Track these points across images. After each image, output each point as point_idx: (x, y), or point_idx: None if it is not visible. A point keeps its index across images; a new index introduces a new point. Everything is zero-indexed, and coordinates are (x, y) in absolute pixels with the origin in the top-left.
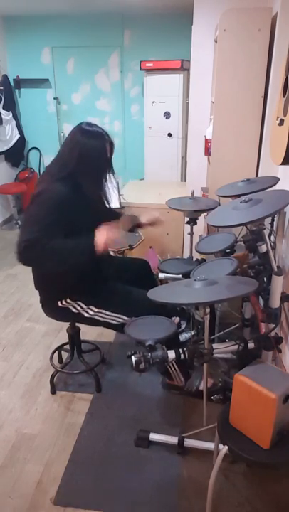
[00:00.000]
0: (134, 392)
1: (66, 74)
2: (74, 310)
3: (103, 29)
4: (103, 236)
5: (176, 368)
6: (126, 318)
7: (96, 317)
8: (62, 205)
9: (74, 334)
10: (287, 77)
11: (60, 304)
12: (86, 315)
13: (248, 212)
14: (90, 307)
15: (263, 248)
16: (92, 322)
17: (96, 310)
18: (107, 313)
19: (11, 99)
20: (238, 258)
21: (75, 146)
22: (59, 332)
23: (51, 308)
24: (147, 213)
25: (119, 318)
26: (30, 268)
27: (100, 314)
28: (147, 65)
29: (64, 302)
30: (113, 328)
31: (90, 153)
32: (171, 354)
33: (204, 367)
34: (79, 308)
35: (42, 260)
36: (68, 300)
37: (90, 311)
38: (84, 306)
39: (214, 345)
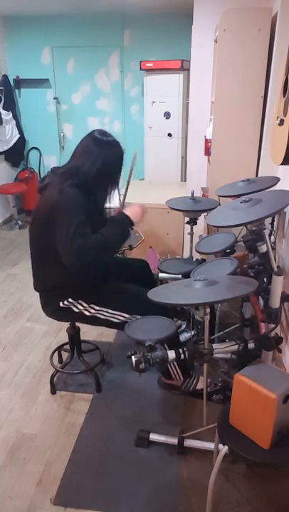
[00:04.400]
0: (134, 392)
1: (66, 74)
2: (75, 309)
3: (103, 29)
4: (135, 209)
5: (176, 367)
6: (127, 316)
7: (97, 315)
8: (80, 204)
9: (74, 334)
10: (287, 77)
11: (61, 304)
12: (87, 314)
13: (248, 212)
14: (91, 306)
15: (263, 248)
16: (93, 321)
17: (97, 308)
18: (109, 311)
19: (11, 99)
20: (238, 258)
21: (96, 158)
22: (59, 332)
23: (53, 309)
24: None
25: (120, 316)
26: (31, 268)
27: (102, 312)
28: (147, 65)
29: (66, 302)
30: (115, 327)
31: (108, 167)
32: (171, 354)
33: (204, 367)
34: (80, 307)
35: (97, 258)
36: (70, 300)
37: (92, 310)
38: (85, 305)
39: (214, 345)
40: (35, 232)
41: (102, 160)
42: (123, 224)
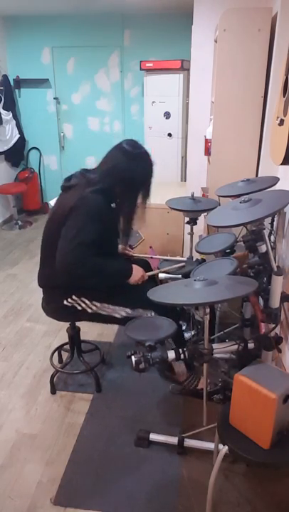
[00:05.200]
0: (134, 392)
1: (66, 74)
2: (79, 307)
3: (103, 29)
4: (139, 273)
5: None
6: (130, 311)
7: (100, 311)
8: (101, 215)
9: (74, 334)
10: (287, 77)
11: (65, 302)
12: (89, 311)
13: (248, 212)
14: (94, 302)
15: (263, 248)
16: (96, 317)
17: (99, 305)
18: (111, 306)
19: (11, 99)
20: (238, 258)
21: (125, 171)
22: (59, 332)
23: (56, 306)
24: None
25: (122, 311)
26: (30, 268)
27: (104, 308)
28: (147, 65)
29: (69, 300)
30: (117, 323)
31: (139, 179)
32: (171, 354)
33: (204, 367)
34: (83, 305)
35: (85, 277)
36: (74, 297)
37: (94, 307)
38: (87, 302)
39: (214, 345)
40: (51, 229)
41: (132, 172)
42: (125, 270)
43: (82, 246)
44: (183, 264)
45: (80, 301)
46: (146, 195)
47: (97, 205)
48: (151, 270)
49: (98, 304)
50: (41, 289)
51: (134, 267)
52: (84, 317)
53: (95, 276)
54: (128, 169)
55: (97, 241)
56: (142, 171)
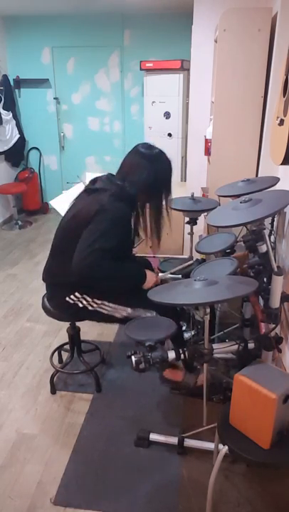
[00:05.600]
0: (134, 392)
1: (66, 74)
2: (80, 305)
3: (103, 29)
4: (153, 278)
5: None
6: (130, 310)
7: (99, 309)
8: (125, 222)
9: (74, 334)
10: (287, 77)
11: (67, 299)
12: (90, 308)
13: (248, 212)
14: (94, 300)
15: (263, 248)
16: (96, 316)
17: (99, 302)
18: (111, 305)
19: (11, 99)
20: (238, 258)
21: (148, 173)
22: (59, 332)
23: (58, 302)
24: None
25: (123, 310)
26: (30, 268)
27: (104, 306)
28: (147, 65)
29: (72, 297)
30: (117, 322)
31: (161, 178)
32: (171, 354)
33: (204, 367)
34: (84, 302)
35: (102, 279)
36: (77, 294)
37: (94, 304)
38: (89, 299)
39: (214, 345)
40: (70, 228)
41: (154, 172)
42: (140, 276)
43: (102, 251)
44: (191, 262)
45: (81, 298)
46: (168, 193)
47: (123, 212)
48: (153, 270)
49: (99, 302)
50: (44, 285)
51: (148, 272)
52: (84, 315)
53: (110, 280)
54: (152, 171)
55: (116, 247)
56: (164, 171)
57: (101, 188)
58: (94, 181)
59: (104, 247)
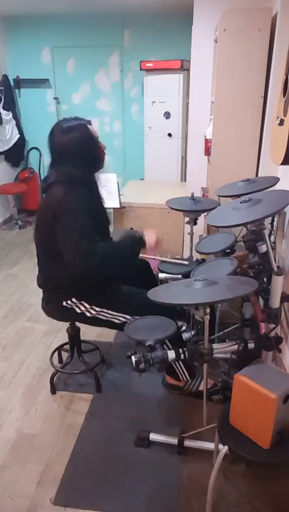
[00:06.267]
0: (134, 392)
1: (66, 74)
2: (78, 310)
3: (103, 29)
4: (152, 234)
5: (182, 367)
6: (128, 317)
7: (98, 316)
8: (79, 203)
9: (74, 334)
10: (287, 77)
11: (64, 304)
12: (88, 314)
13: (248, 212)
14: (93, 307)
15: (263, 248)
16: (94, 322)
17: (98, 309)
18: (110, 312)
19: (11, 99)
20: (238, 258)
21: (60, 146)
22: (59, 332)
23: (55, 306)
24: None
25: (121, 317)
26: (31, 268)
27: (102, 313)
28: (147, 65)
29: (69, 302)
30: (116, 328)
31: (80, 150)
32: (171, 354)
33: (204, 367)
34: (82, 308)
35: (102, 265)
36: (74, 300)
37: (93, 311)
38: (87, 306)
39: (214, 345)
40: (40, 233)
41: (62, 147)
42: (134, 239)
43: (85, 237)
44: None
45: (79, 304)
46: (96, 162)
47: (70, 198)
48: (151, 271)
49: (97, 309)
50: (41, 289)
51: (144, 231)
52: (82, 320)
53: (112, 260)
54: (62, 143)
55: (94, 226)
56: (77, 142)
57: (50, 183)
58: (46, 179)
59: (84, 234)
